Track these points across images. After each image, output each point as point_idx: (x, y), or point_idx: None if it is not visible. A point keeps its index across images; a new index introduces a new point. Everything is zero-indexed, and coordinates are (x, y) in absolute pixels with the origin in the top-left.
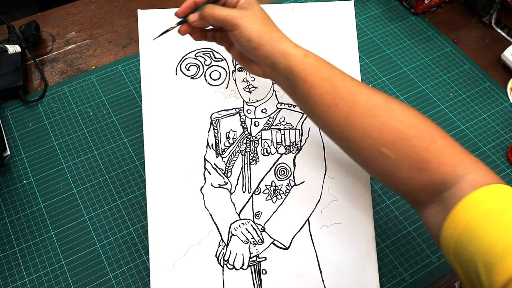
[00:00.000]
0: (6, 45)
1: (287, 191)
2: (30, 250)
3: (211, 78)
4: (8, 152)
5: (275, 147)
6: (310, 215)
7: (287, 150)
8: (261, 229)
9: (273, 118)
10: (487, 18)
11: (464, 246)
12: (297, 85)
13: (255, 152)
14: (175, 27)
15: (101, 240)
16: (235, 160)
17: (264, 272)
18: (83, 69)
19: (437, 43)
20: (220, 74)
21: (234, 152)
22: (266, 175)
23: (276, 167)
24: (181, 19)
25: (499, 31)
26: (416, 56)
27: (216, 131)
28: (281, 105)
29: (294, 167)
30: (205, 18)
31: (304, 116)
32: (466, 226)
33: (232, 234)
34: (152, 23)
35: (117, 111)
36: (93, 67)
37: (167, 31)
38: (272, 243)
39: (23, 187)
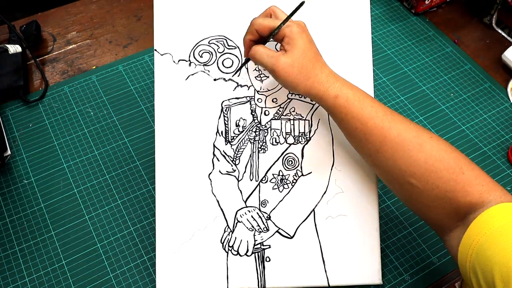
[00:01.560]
0: (7, 45)
1: (294, 181)
2: (30, 250)
3: (223, 65)
4: (9, 152)
5: (284, 137)
6: (316, 205)
7: (296, 141)
8: (267, 217)
9: (283, 108)
10: (487, 19)
11: (481, 259)
12: (330, 116)
13: (264, 141)
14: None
15: (102, 240)
16: (243, 148)
17: (267, 259)
18: (83, 69)
19: (437, 44)
20: (233, 62)
21: (243, 140)
22: (274, 164)
23: (284, 157)
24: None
25: (499, 31)
26: (416, 57)
27: (226, 118)
28: (292, 95)
29: (302, 158)
30: (252, 58)
31: (314, 107)
32: (482, 240)
33: (238, 221)
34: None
35: (117, 111)
36: (94, 67)
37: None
38: (277, 231)
39: (24, 187)
